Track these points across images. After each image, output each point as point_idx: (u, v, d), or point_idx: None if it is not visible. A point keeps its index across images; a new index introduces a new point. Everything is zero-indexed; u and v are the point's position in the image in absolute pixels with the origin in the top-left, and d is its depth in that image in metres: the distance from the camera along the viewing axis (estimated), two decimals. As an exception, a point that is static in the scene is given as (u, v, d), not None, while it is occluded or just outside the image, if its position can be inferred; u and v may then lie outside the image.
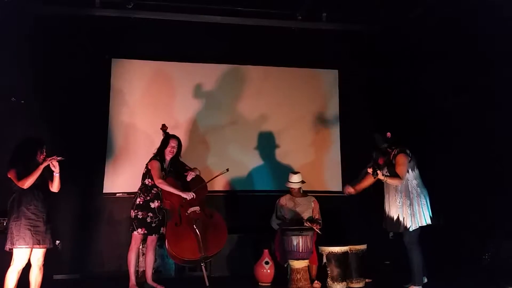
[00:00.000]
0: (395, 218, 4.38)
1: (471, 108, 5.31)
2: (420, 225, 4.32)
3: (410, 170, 4.37)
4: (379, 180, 4.44)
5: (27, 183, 3.79)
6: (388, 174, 4.37)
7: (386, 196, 4.51)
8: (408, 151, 4.39)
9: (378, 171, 4.29)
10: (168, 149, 4.76)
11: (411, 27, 6.10)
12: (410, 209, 4.31)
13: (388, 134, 4.47)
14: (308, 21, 6.31)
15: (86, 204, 5.78)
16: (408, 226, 4.30)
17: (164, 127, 4.94)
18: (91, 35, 5.86)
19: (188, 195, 4.62)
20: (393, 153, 4.41)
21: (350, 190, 4.64)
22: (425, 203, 4.38)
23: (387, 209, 4.48)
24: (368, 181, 4.57)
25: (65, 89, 5.77)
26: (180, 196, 4.63)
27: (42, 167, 3.83)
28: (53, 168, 3.90)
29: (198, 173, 4.89)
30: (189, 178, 4.82)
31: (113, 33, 5.99)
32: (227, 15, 6.11)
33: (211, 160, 6.10)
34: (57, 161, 3.89)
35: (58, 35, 5.75)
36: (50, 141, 4.12)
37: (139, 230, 4.59)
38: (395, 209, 4.39)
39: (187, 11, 6.02)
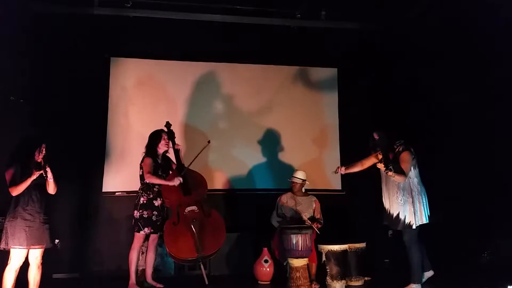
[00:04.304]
0: (395, 215, 4.38)
1: (471, 108, 5.31)
2: (420, 223, 4.33)
3: (412, 168, 4.39)
4: (377, 173, 4.47)
5: (15, 191, 3.80)
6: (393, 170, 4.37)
7: (385, 193, 4.51)
8: (412, 149, 4.42)
9: (391, 167, 4.25)
10: (162, 142, 4.78)
11: (411, 26, 6.09)
12: (412, 206, 4.32)
13: (375, 135, 4.52)
14: (307, 20, 6.30)
15: (85, 203, 5.79)
16: (411, 224, 4.30)
17: (168, 124, 4.96)
18: (90, 34, 5.85)
19: (175, 182, 4.60)
20: (397, 150, 4.43)
21: (342, 170, 4.68)
22: (424, 201, 4.40)
23: (387, 206, 4.48)
24: (361, 167, 4.64)
25: (64, 88, 5.77)
26: (178, 194, 4.63)
27: (30, 180, 3.80)
28: (46, 175, 3.87)
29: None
30: (177, 147, 4.89)
31: (112, 32, 5.98)
32: (226, 13, 6.10)
33: (212, 159, 6.10)
34: (44, 171, 3.84)
35: (56, 34, 5.73)
36: (49, 140, 4.09)
37: (146, 229, 4.60)
38: (396, 206, 4.38)
39: (185, 10, 6.01)
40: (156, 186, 4.69)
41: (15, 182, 3.81)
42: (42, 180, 3.90)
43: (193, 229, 4.49)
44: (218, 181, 6.08)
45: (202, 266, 4.68)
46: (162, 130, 4.87)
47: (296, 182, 5.17)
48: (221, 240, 4.69)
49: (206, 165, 5.97)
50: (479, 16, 5.03)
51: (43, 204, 3.93)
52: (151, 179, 4.59)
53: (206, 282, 4.66)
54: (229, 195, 6.12)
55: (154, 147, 4.77)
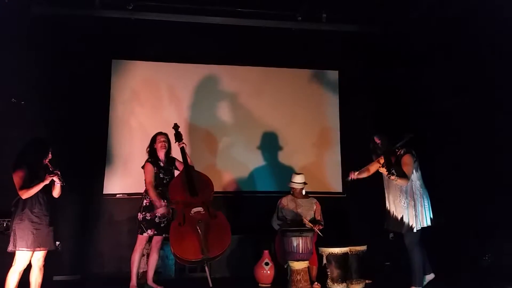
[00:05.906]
0: (399, 218, 4.37)
1: (471, 108, 5.30)
2: (421, 226, 4.33)
3: (414, 171, 4.38)
4: (378, 175, 4.46)
5: (26, 195, 3.80)
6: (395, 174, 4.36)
7: (388, 196, 4.50)
8: (413, 152, 4.41)
9: (393, 171, 4.23)
10: (158, 145, 4.78)
11: (411, 27, 6.09)
12: (414, 209, 4.32)
13: (376, 139, 4.51)
14: (308, 22, 6.31)
15: (86, 205, 5.79)
16: (413, 227, 4.29)
17: (176, 126, 4.97)
18: (92, 36, 5.86)
19: (159, 211, 4.60)
20: (399, 153, 4.42)
21: (354, 175, 4.57)
22: (426, 204, 4.40)
23: (391, 209, 4.47)
24: (368, 173, 4.59)
25: (66, 90, 5.78)
26: (185, 195, 4.63)
27: (42, 184, 3.83)
28: (62, 182, 3.91)
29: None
30: (179, 146, 4.84)
31: (114, 34, 5.99)
32: (227, 16, 6.11)
33: (213, 161, 6.10)
34: (58, 178, 3.87)
35: (58, 36, 5.75)
36: (50, 142, 4.10)
37: (149, 231, 4.61)
38: (399, 209, 4.37)
39: (187, 12, 6.02)
40: (160, 188, 4.70)
41: (26, 185, 3.80)
42: (48, 183, 3.91)
43: (199, 230, 4.49)
44: (220, 183, 6.07)
45: (207, 268, 4.67)
46: (157, 133, 4.87)
47: (296, 188, 5.16)
48: (226, 241, 4.64)
49: (208, 167, 5.96)
50: (480, 16, 5.03)
51: (49, 206, 3.95)
52: (149, 191, 4.63)
53: (211, 285, 4.63)
54: (230, 197, 6.11)
55: (152, 151, 4.80)
